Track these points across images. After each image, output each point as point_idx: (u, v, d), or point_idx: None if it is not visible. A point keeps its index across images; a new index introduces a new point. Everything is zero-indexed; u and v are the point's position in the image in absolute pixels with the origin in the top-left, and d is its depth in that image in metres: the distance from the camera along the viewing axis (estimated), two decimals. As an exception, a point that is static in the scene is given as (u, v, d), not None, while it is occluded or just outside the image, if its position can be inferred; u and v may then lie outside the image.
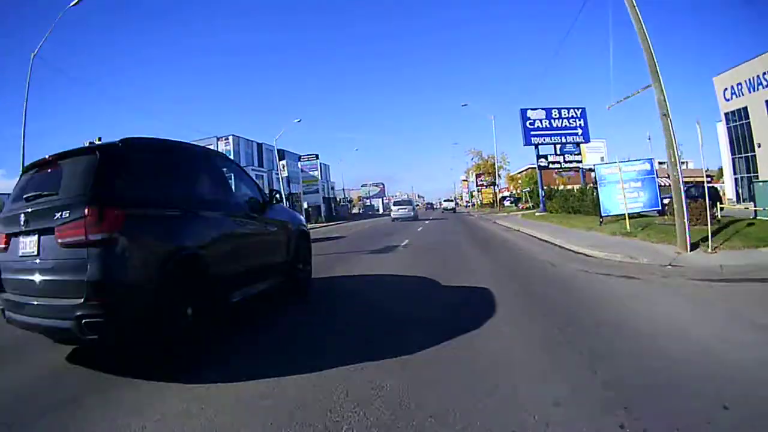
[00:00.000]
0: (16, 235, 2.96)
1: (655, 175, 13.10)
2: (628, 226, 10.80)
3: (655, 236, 9.09)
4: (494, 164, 47.36)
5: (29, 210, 2.90)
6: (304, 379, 2.74)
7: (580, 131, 24.47)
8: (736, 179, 26.78)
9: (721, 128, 31.22)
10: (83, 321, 2.56)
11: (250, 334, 3.86)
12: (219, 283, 3.49)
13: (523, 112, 23.66)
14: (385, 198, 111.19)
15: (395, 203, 33.07)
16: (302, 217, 6.34)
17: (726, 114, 27.44)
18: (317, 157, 50.69)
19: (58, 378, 2.96)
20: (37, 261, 2.81)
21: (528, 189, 32.45)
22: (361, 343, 3.43)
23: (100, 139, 4.44)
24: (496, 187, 39.62)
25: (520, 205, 32.83)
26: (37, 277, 2.79)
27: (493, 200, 48.77)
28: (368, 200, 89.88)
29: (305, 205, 42.63)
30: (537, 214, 22.09)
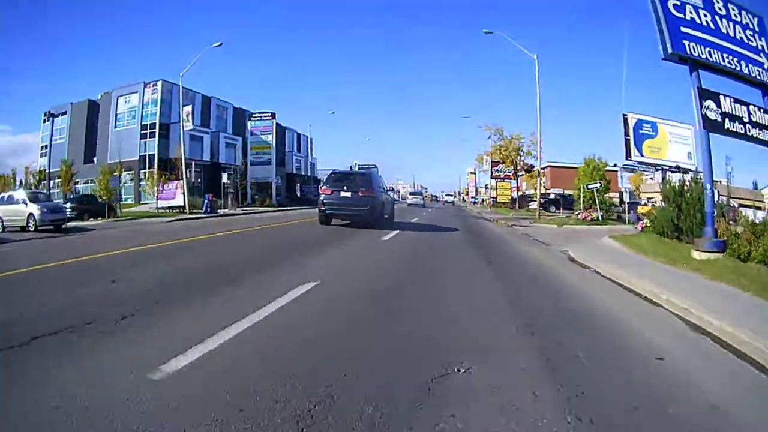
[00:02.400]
0: (339, 190, 12.00)
1: None
2: None
3: None
4: (519, 148, 33.05)
5: (348, 185, 12.09)
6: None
7: (765, 60, 10.06)
8: None
9: None
10: (365, 212, 11.79)
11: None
12: (385, 211, 13.16)
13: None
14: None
15: (410, 193, 49.02)
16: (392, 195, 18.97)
17: None
18: (273, 116, 36.24)
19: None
20: (350, 199, 11.81)
21: (596, 185, 18.12)
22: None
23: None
24: (538, 179, 24.97)
25: (581, 214, 18.23)
26: (350, 203, 11.84)
27: (516, 198, 34.60)
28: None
29: (224, 179, 28.16)
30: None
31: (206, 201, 22.44)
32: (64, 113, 45.69)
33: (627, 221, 18.09)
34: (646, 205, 25.54)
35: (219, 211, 21.82)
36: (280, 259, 6.52)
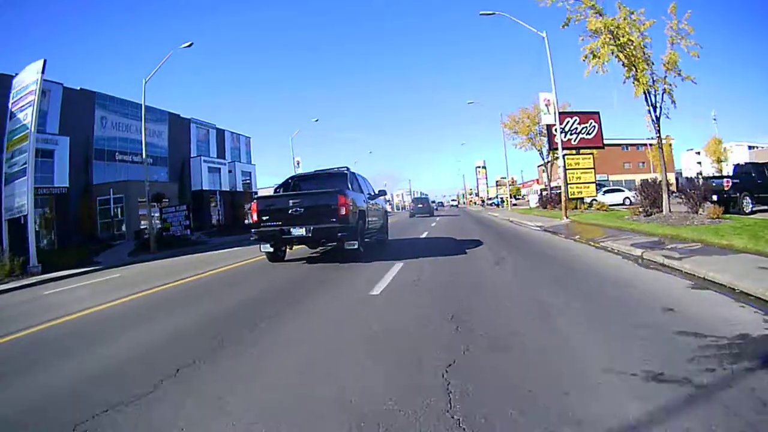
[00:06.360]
0: (417, 204, 37.16)
1: None
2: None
3: None
4: (643, 49, 11.56)
5: (420, 202, 38.01)
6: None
7: None
8: None
9: None
10: (428, 211, 36.14)
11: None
12: (433, 210, 44.39)
13: None
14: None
15: (414, 200, 49.97)
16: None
17: None
18: (42, 68, 15.09)
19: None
20: (422, 207, 35.69)
21: None
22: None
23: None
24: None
25: None
26: (422, 207, 35.63)
27: (658, 192, 13.26)
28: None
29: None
30: None
31: None
32: None
33: None
34: None
35: None
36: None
